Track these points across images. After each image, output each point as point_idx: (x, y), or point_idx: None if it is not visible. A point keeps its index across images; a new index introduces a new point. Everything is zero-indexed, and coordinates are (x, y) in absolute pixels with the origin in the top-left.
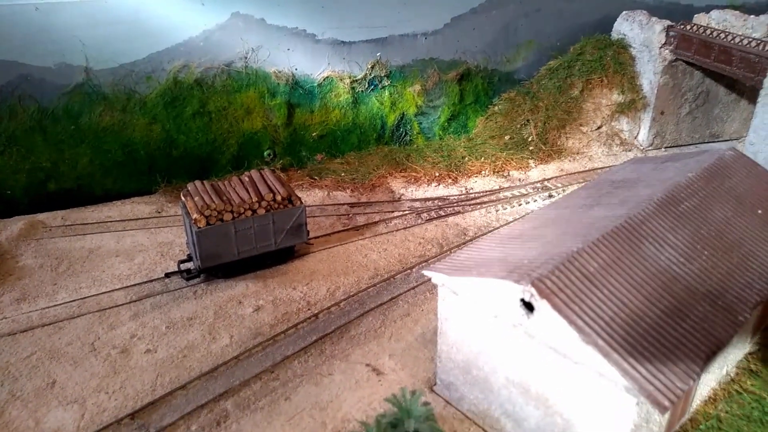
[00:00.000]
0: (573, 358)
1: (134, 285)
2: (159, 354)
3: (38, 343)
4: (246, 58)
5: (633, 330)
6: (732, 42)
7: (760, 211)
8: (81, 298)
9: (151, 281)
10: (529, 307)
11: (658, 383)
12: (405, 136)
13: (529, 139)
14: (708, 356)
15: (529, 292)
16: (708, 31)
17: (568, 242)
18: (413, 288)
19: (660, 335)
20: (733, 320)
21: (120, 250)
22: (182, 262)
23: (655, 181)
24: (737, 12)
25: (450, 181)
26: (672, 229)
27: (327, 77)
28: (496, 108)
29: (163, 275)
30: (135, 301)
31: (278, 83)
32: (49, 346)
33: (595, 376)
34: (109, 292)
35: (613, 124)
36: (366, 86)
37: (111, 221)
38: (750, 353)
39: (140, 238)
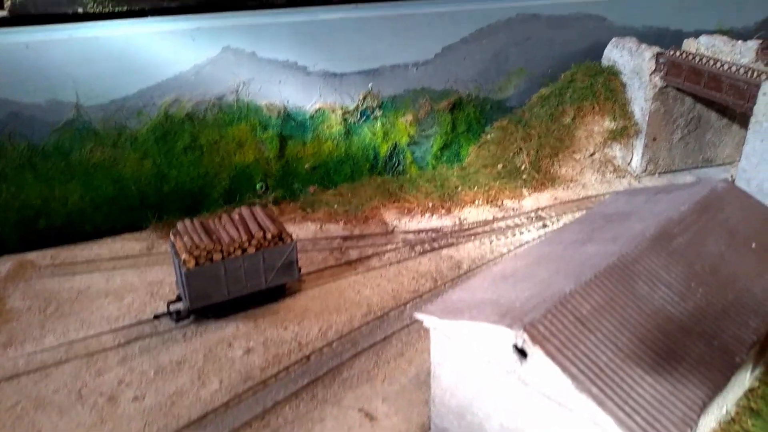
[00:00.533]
0: (567, 406)
1: (123, 327)
2: (147, 401)
3: (23, 391)
4: (237, 91)
5: (628, 376)
6: (721, 69)
7: (753, 245)
8: (69, 342)
9: (140, 323)
10: (522, 352)
11: None
12: (398, 165)
13: (522, 168)
14: (705, 401)
15: (522, 338)
16: (697, 59)
17: (561, 282)
18: (407, 326)
19: (656, 380)
20: (729, 361)
21: (109, 290)
22: (172, 302)
23: (647, 214)
24: (725, 37)
25: (443, 211)
26: (665, 266)
27: (319, 109)
28: (489, 136)
29: (153, 317)
30: (123, 344)
31: (270, 116)
32: (35, 394)
33: (591, 425)
34: (97, 335)
35: (606, 150)
36: (358, 117)
37: (101, 260)
38: (750, 390)
39: (130, 277)
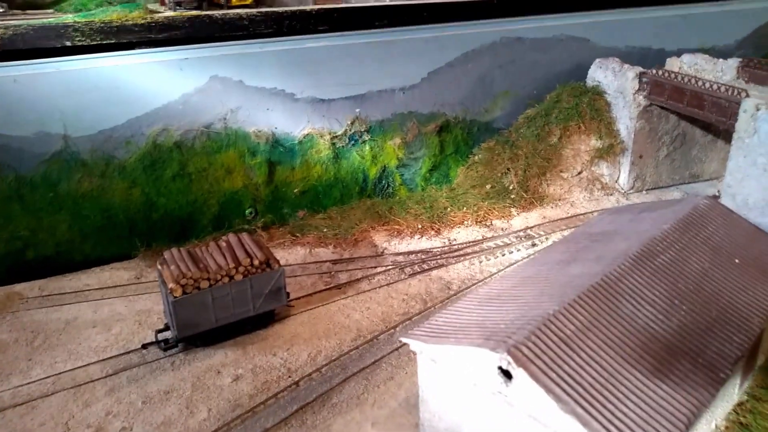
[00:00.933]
0: (553, 427)
1: (111, 357)
2: None
3: (9, 426)
4: (225, 119)
5: (613, 395)
6: (703, 87)
7: (737, 260)
8: (56, 374)
9: (128, 353)
10: (507, 374)
11: None
12: (387, 188)
13: (510, 188)
14: (690, 419)
15: (506, 360)
16: (679, 77)
17: (545, 304)
18: (397, 349)
19: (640, 399)
20: (714, 378)
21: (97, 320)
22: (159, 331)
23: (631, 233)
24: (707, 56)
25: (433, 232)
26: (649, 285)
27: (307, 134)
28: (477, 158)
29: (141, 346)
30: (111, 375)
31: (258, 142)
32: (20, 428)
33: None
34: (84, 366)
35: (593, 169)
36: (346, 141)
37: (89, 290)
38: (739, 404)
39: (118, 307)
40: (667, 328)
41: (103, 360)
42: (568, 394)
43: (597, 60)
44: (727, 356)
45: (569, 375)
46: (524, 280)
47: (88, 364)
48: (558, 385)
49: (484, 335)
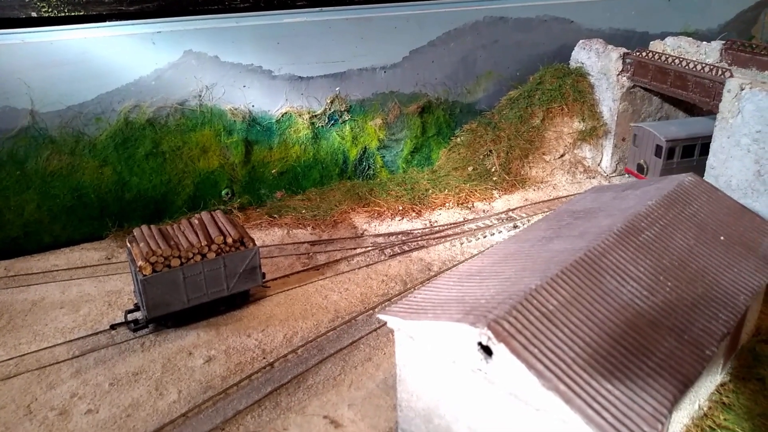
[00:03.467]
0: (535, 405)
1: (78, 339)
2: (101, 414)
3: None
4: (200, 96)
5: (596, 372)
6: (686, 68)
7: (722, 238)
8: (19, 356)
9: (96, 334)
10: (487, 351)
11: (625, 429)
12: (368, 170)
13: (493, 170)
14: (676, 396)
15: (486, 335)
16: (663, 58)
17: (527, 279)
18: (375, 330)
19: (625, 376)
20: (700, 355)
21: (65, 301)
22: (129, 312)
23: (615, 210)
24: (690, 39)
25: (414, 214)
26: (633, 260)
27: (285, 113)
28: (459, 139)
29: (109, 327)
30: (78, 356)
31: (235, 120)
32: None
33: (559, 424)
34: (50, 347)
35: (575, 151)
36: (326, 121)
37: (57, 270)
38: (722, 384)
39: (87, 288)
40: (651, 304)
41: (70, 341)
42: (551, 371)
43: (580, 41)
44: (713, 333)
45: (551, 351)
46: (506, 257)
47: (54, 345)
48: (540, 361)
49: (464, 311)
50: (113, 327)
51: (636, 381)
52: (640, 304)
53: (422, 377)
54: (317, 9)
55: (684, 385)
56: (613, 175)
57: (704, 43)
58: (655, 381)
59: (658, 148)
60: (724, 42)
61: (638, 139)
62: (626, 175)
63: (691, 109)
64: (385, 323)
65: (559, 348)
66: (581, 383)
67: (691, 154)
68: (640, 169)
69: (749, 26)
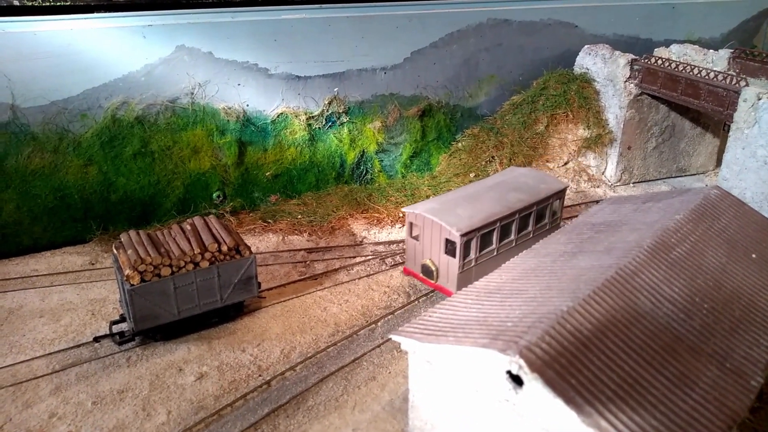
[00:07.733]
0: None
1: (58, 351)
2: None
3: None
4: (192, 93)
5: (639, 405)
6: (699, 76)
7: (754, 256)
8: None
9: (78, 346)
10: (517, 380)
11: None
12: (366, 174)
13: None
14: None
15: (517, 364)
16: (674, 65)
17: (555, 299)
18: (379, 346)
19: (670, 410)
20: (745, 386)
21: (45, 309)
22: (115, 323)
23: (639, 224)
24: (696, 46)
25: None
26: (667, 280)
27: (281, 113)
28: (460, 144)
29: (93, 339)
30: (58, 371)
31: (228, 120)
32: None
33: None
34: (28, 360)
35: (580, 159)
36: (323, 123)
37: (37, 275)
38: (752, 411)
39: (69, 295)
40: (689, 328)
41: (50, 354)
42: (591, 404)
43: (586, 46)
44: (756, 361)
45: (590, 381)
46: (526, 273)
47: (32, 359)
48: (578, 392)
49: (489, 334)
50: (97, 339)
51: (681, 416)
52: (678, 327)
53: (439, 405)
54: (317, 6)
55: (732, 420)
56: (618, 184)
57: (711, 51)
58: (701, 416)
59: (450, 244)
60: (732, 50)
61: (418, 230)
62: (632, 185)
63: (697, 119)
64: (391, 340)
65: (598, 378)
66: (624, 419)
67: (490, 242)
68: (427, 272)
69: (751, 35)
